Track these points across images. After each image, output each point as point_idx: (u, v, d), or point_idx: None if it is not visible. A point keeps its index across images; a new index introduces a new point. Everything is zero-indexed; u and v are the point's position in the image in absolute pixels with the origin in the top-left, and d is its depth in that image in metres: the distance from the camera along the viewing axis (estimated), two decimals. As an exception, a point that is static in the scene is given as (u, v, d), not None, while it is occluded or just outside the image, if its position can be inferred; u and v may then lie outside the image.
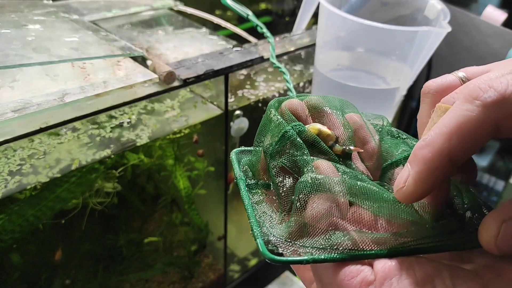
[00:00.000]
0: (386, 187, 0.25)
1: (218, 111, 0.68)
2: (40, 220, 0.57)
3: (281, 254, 0.22)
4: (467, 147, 0.19)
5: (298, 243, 0.22)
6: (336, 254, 0.21)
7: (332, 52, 0.65)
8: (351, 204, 0.22)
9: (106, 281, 0.74)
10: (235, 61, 0.61)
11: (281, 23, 1.09)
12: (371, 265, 0.21)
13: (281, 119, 0.25)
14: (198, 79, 0.57)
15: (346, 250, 0.21)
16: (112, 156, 0.60)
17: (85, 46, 0.56)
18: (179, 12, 0.80)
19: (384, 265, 0.20)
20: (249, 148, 0.29)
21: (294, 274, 1.01)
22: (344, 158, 0.26)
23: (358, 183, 0.22)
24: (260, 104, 0.73)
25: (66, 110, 0.48)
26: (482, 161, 0.99)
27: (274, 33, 0.68)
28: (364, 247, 0.21)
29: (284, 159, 0.24)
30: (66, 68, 0.53)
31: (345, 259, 0.21)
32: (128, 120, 0.62)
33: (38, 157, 0.54)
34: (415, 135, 0.28)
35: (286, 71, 0.58)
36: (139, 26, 0.72)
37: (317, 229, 0.22)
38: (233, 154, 0.29)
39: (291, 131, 0.24)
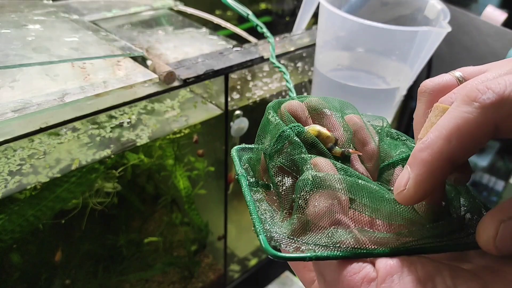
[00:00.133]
0: (385, 187, 0.25)
1: (218, 111, 0.68)
2: (40, 220, 0.57)
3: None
4: (467, 148, 0.20)
5: (301, 240, 0.22)
6: (338, 252, 0.21)
7: (332, 52, 0.65)
8: (351, 201, 0.23)
9: (106, 281, 0.74)
10: (235, 61, 0.61)
11: (281, 23, 1.09)
12: (373, 263, 0.21)
13: (279, 120, 0.25)
14: (198, 79, 0.57)
15: (348, 248, 0.21)
16: (112, 156, 0.60)
17: (85, 46, 0.56)
18: (179, 12, 0.80)
19: (386, 262, 0.20)
20: (250, 146, 0.29)
21: (294, 274, 1.01)
22: (343, 160, 0.26)
23: (359, 181, 0.23)
24: (260, 104, 0.73)
25: (66, 110, 0.48)
26: (482, 161, 0.99)
27: (274, 33, 0.68)
28: (366, 245, 0.21)
29: (282, 159, 0.24)
30: (66, 68, 0.53)
31: (348, 256, 0.21)
32: (128, 120, 0.62)
33: (38, 157, 0.54)
34: (414, 135, 0.28)
35: (286, 71, 0.58)
36: (139, 26, 0.72)
37: (320, 227, 0.22)
38: (234, 151, 0.28)
39: (288, 130, 0.24)
